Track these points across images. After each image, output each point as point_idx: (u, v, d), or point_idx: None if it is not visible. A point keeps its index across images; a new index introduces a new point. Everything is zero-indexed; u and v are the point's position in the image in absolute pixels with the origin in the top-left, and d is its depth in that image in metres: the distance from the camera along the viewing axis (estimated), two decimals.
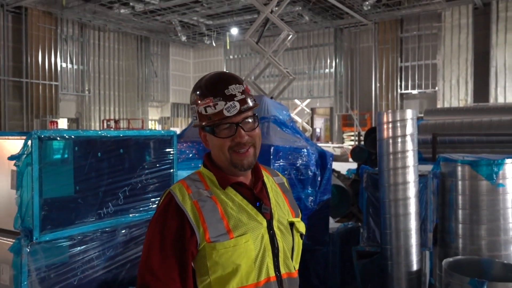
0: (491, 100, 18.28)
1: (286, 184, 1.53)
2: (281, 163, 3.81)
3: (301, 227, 1.42)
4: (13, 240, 2.36)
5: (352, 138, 21.81)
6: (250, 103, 1.30)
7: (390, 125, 3.54)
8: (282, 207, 1.40)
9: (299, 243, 1.41)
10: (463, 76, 19.23)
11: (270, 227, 1.32)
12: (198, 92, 1.32)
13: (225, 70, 1.43)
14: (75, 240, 2.57)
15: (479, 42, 19.11)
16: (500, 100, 18.18)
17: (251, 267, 1.26)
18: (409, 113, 3.55)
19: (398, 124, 3.51)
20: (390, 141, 3.54)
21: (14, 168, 2.37)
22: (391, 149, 3.54)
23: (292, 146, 3.98)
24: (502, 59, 18.31)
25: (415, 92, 21.07)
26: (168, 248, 1.24)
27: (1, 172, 2.64)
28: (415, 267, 3.54)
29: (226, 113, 1.26)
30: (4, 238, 2.50)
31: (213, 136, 1.31)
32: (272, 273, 1.29)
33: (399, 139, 3.52)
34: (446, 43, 19.52)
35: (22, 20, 19.17)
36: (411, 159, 3.54)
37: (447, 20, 19.53)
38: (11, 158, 2.33)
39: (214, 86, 1.29)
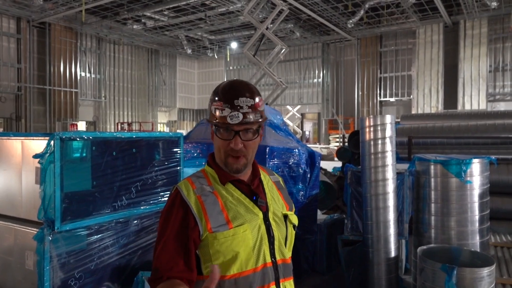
0: (459, 107, 18.36)
1: (281, 182, 1.52)
2: (275, 162, 3.79)
3: (294, 219, 1.41)
4: (37, 230, 2.34)
5: (337, 140, 21.83)
6: (252, 118, 1.27)
7: (372, 129, 3.53)
8: (277, 201, 1.39)
9: (292, 233, 1.40)
10: (434, 86, 19.30)
11: (266, 218, 1.32)
12: (215, 94, 1.31)
13: (246, 82, 1.37)
14: (92, 229, 2.55)
15: (449, 56, 19.19)
16: (467, 107, 18.26)
17: (249, 254, 1.25)
18: (388, 118, 3.54)
19: (379, 128, 3.50)
20: (372, 142, 3.53)
21: (38, 165, 2.35)
22: (372, 150, 3.53)
23: (285, 146, 3.97)
24: (469, 71, 18.40)
25: (392, 99, 21.12)
26: (173, 236, 1.25)
27: (27, 169, 2.62)
28: (393, 254, 3.53)
29: (228, 120, 1.25)
30: (29, 228, 2.47)
31: (215, 135, 1.31)
32: (268, 259, 1.29)
33: (380, 141, 3.51)
34: (420, 57, 19.59)
35: (46, 34, 19.09)
36: (389, 158, 3.53)
37: (421, 37, 19.60)
38: (35, 156, 2.31)
39: (227, 93, 1.28)
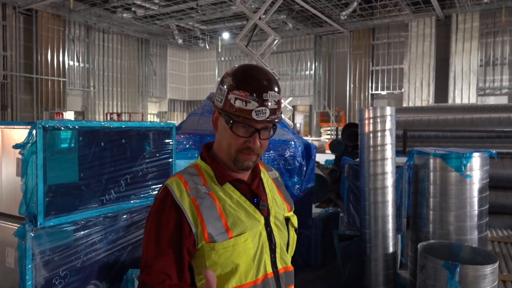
0: (450, 101, 18.42)
1: (279, 178, 1.35)
2: (271, 154, 3.65)
3: (295, 221, 1.26)
4: (18, 225, 2.17)
5: (329, 132, 21.79)
6: (278, 116, 1.12)
7: (371, 121, 3.41)
8: (278, 203, 1.24)
9: (294, 237, 1.25)
10: (426, 79, 19.32)
11: (267, 224, 1.15)
12: (236, 79, 1.10)
13: (271, 72, 1.19)
14: (79, 225, 2.39)
15: (440, 49, 19.19)
16: (458, 101, 18.33)
17: (249, 265, 1.09)
18: (388, 110, 3.42)
19: (378, 120, 3.38)
20: (371, 135, 3.41)
21: (19, 156, 2.17)
22: (371, 143, 3.42)
23: (281, 138, 3.83)
24: (460, 65, 18.43)
25: (384, 92, 21.10)
26: (165, 244, 1.06)
27: (7, 160, 2.44)
28: (391, 249, 3.44)
29: (254, 115, 1.06)
30: (9, 223, 2.30)
31: (227, 127, 1.11)
32: (269, 270, 1.13)
33: (379, 134, 3.39)
34: (412, 50, 19.55)
35: (32, 21, 18.56)
36: (389, 151, 3.42)
37: (413, 30, 19.55)
38: (15, 146, 2.13)
39: (254, 82, 1.08)
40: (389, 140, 3.40)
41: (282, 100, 23.01)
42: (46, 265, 2.22)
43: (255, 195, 1.17)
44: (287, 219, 1.22)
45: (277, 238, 1.16)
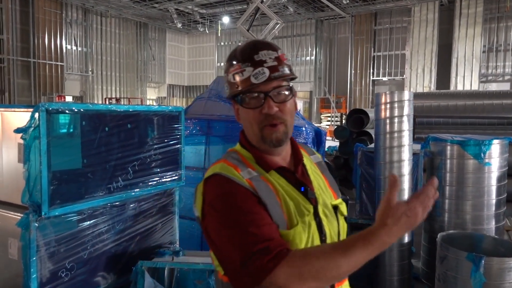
0: (452, 88, 18.22)
1: (323, 162, 1.23)
2: None
3: (344, 209, 1.13)
4: (21, 215, 2.02)
5: (329, 118, 21.60)
6: (284, 70, 1.02)
7: (388, 106, 3.24)
8: (324, 190, 1.11)
9: (344, 226, 1.11)
10: (428, 65, 19.07)
11: (316, 214, 1.04)
12: (229, 60, 1.06)
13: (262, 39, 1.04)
14: (85, 214, 2.25)
15: (443, 35, 18.89)
16: (459, 87, 18.13)
17: None
18: (406, 95, 3.26)
19: (396, 105, 3.22)
20: (388, 121, 3.25)
21: (21, 141, 2.01)
22: (388, 129, 3.26)
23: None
24: (463, 51, 18.17)
25: (385, 79, 20.86)
26: (258, 217, 0.92)
27: (8, 145, 2.28)
28: (406, 239, 3.32)
29: (253, 80, 0.99)
30: (12, 213, 2.16)
31: (242, 108, 1.04)
32: None
33: (396, 119, 3.23)
34: (414, 36, 19.25)
35: (29, 4, 18.10)
36: (406, 138, 3.27)
37: (416, 15, 19.21)
38: (17, 131, 1.97)
39: (244, 51, 1.03)
40: (406, 126, 3.25)
41: None
42: (51, 257, 2.09)
43: (301, 184, 1.05)
44: (335, 207, 1.10)
45: (327, 229, 1.05)
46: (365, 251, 0.84)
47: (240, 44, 1.09)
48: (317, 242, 1.01)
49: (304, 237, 0.98)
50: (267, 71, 0.99)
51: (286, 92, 1.03)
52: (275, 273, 0.83)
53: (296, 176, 1.06)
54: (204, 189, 0.99)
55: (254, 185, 0.97)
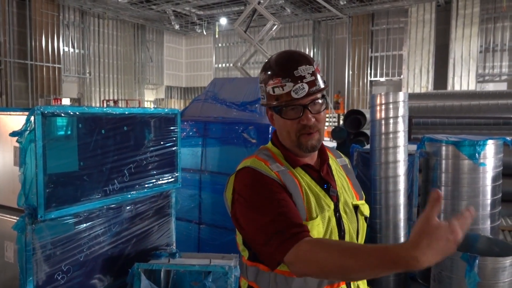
0: (449, 88, 18.28)
1: (349, 165, 1.33)
2: None
3: (366, 210, 1.22)
4: (17, 218, 2.03)
5: (327, 119, 21.63)
6: (320, 84, 1.12)
7: (383, 107, 3.27)
8: (347, 190, 1.21)
9: (363, 226, 1.20)
10: (425, 66, 19.14)
11: (336, 210, 1.14)
12: (267, 72, 1.14)
13: (295, 50, 1.21)
14: (81, 217, 2.26)
15: (440, 36, 18.96)
16: (457, 87, 18.20)
17: None
18: (401, 96, 3.29)
19: (391, 106, 3.25)
20: (383, 122, 3.28)
21: (17, 144, 2.02)
22: (383, 130, 3.28)
23: None
24: (460, 52, 18.24)
25: (382, 79, 20.91)
26: (283, 196, 1.05)
27: (4, 148, 2.29)
28: (402, 239, 3.34)
29: (294, 95, 1.08)
30: (8, 216, 2.17)
31: (279, 117, 1.14)
32: None
33: (391, 120, 3.26)
34: (411, 36, 19.31)
35: (26, 6, 18.10)
36: (401, 139, 3.29)
37: (413, 16, 19.28)
38: (12, 134, 1.98)
39: (283, 66, 1.11)
40: (401, 127, 3.27)
41: None
42: (47, 260, 2.09)
43: (325, 181, 1.16)
44: (356, 207, 1.19)
45: (346, 225, 1.15)
46: (380, 264, 0.79)
47: (273, 55, 1.16)
48: (335, 237, 1.10)
49: (322, 230, 1.07)
50: (306, 87, 1.08)
51: (321, 102, 1.13)
52: (289, 253, 0.92)
53: (321, 174, 1.16)
54: (235, 179, 1.12)
55: (281, 177, 1.09)
